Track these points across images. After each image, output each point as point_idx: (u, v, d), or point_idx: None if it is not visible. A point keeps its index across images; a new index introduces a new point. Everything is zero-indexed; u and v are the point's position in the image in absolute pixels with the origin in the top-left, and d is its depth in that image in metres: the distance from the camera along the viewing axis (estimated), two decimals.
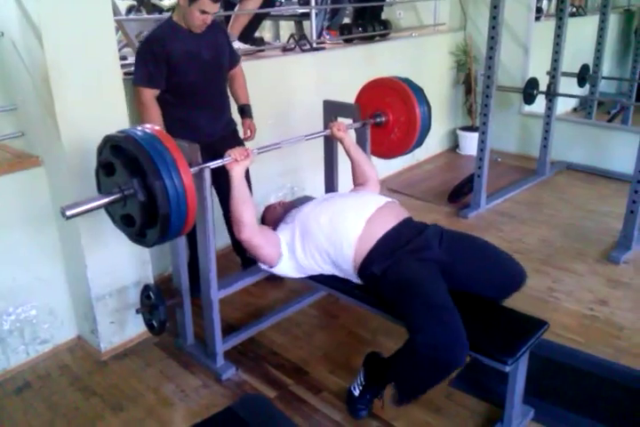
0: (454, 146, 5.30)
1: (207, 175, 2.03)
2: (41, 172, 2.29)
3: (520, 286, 2.04)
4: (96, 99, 2.18)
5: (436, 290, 1.86)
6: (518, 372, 1.87)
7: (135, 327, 2.55)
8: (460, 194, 4.05)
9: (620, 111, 5.53)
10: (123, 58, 3.13)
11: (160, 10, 4.79)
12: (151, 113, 2.47)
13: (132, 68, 2.52)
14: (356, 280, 2.11)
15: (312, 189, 3.71)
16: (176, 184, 1.73)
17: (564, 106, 5.23)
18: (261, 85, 2.97)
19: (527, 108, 4.83)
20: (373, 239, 2.03)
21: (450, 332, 1.74)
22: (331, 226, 2.09)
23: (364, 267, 2.03)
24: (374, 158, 2.73)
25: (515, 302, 2.08)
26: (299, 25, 4.74)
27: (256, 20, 3.59)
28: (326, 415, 2.11)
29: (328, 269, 2.17)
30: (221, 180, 2.19)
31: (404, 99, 2.59)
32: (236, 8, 3.37)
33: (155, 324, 2.29)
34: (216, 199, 2.68)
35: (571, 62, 4.69)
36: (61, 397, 2.25)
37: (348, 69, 3.92)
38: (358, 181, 2.48)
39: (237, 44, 3.30)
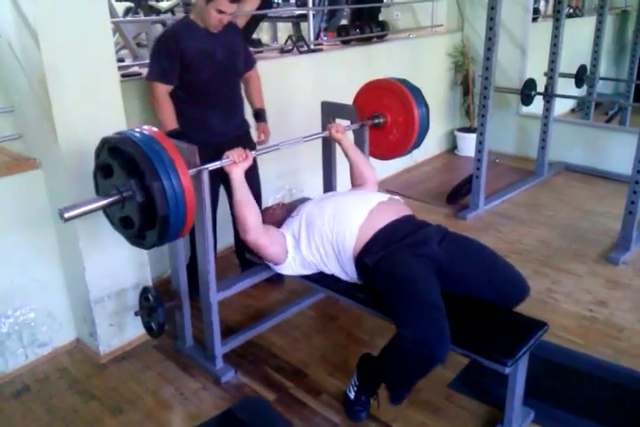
0: (452, 147, 5.31)
1: (205, 177, 2.02)
2: (38, 174, 2.29)
3: (524, 294, 2.02)
4: (93, 101, 2.18)
5: (427, 287, 1.87)
6: (518, 373, 1.86)
7: (134, 330, 2.54)
8: (459, 195, 4.05)
9: (617, 112, 5.54)
10: (120, 60, 3.13)
11: (157, 11, 4.79)
12: (164, 108, 2.49)
13: (129, 70, 2.52)
14: (355, 276, 2.11)
15: (310, 190, 3.71)
16: (174, 185, 1.73)
17: (561, 107, 5.24)
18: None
19: (525, 109, 4.83)
20: (373, 230, 2.05)
21: (436, 329, 1.76)
22: (335, 217, 2.11)
23: (360, 257, 2.04)
24: (372, 160, 2.73)
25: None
26: (296, 26, 4.74)
27: (254, 22, 3.57)
28: (326, 418, 2.10)
29: (330, 264, 2.16)
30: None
31: (402, 100, 2.59)
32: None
33: (153, 326, 2.28)
34: (225, 200, 2.69)
35: (568, 63, 4.70)
36: (60, 400, 2.24)
37: (345, 71, 3.92)
38: (356, 183, 2.48)
39: None
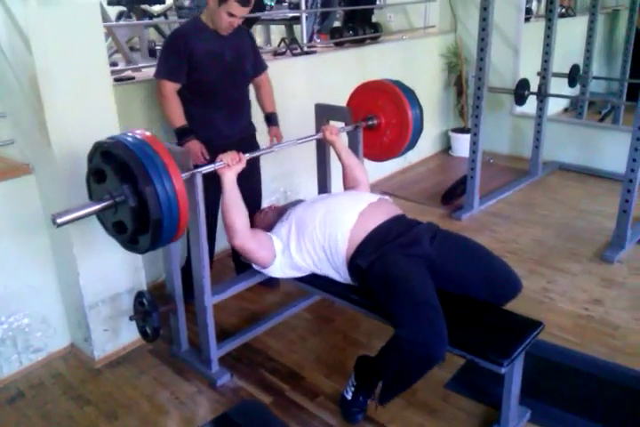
0: (446, 148, 5.31)
1: (199, 180, 2.02)
2: (31, 179, 2.28)
3: (517, 291, 2.03)
4: (86, 105, 2.17)
5: (421, 286, 1.87)
6: (514, 373, 1.86)
7: (129, 335, 2.53)
8: (453, 196, 4.05)
9: (610, 111, 5.56)
10: (113, 64, 3.12)
11: (150, 15, 4.79)
12: (172, 105, 2.51)
13: (122, 74, 2.52)
14: (348, 278, 2.10)
15: (305, 192, 3.71)
16: (167, 190, 1.72)
17: (555, 106, 5.25)
18: (252, 90, 2.96)
19: (518, 109, 4.85)
20: (365, 232, 2.05)
21: (433, 329, 1.76)
22: (326, 220, 2.11)
23: (352, 259, 2.04)
24: (367, 161, 2.73)
25: (509, 302, 2.07)
26: (289, 29, 4.74)
27: (247, 25, 3.59)
28: (323, 420, 2.10)
29: (323, 267, 2.16)
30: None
31: (396, 101, 2.59)
32: None
33: (148, 331, 2.27)
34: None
35: (561, 63, 4.72)
36: (55, 406, 2.23)
37: (339, 73, 3.92)
38: (349, 185, 2.48)
39: None
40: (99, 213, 1.87)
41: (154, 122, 2.86)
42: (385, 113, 2.65)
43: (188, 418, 2.14)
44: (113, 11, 4.83)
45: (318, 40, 4.44)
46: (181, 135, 2.54)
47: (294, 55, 3.72)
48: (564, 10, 5.91)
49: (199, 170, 2.01)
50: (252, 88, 2.85)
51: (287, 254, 2.17)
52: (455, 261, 2.02)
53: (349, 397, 2.07)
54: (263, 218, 2.36)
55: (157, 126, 2.85)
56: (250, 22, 3.68)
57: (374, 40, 4.50)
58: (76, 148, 2.10)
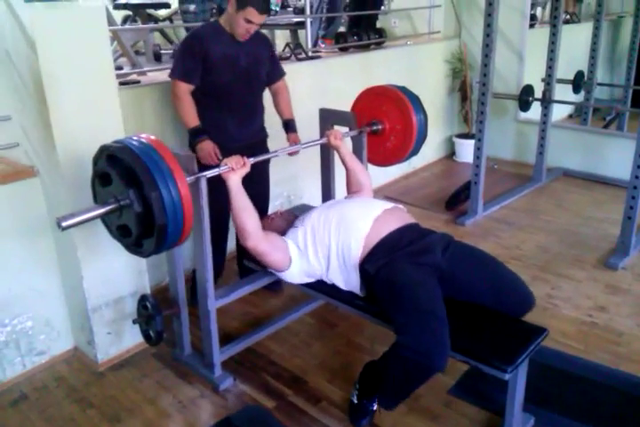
0: (450, 153, 5.31)
1: (203, 184, 2.02)
2: (36, 182, 2.28)
3: (530, 306, 2.01)
4: (91, 108, 2.18)
5: (426, 295, 1.86)
6: (518, 379, 1.85)
7: (132, 338, 2.53)
8: (457, 201, 4.05)
9: (615, 117, 5.55)
10: (118, 68, 3.13)
11: (155, 20, 4.82)
12: (185, 105, 2.52)
13: (128, 78, 2.53)
14: (357, 286, 2.09)
15: (309, 197, 3.71)
16: (172, 194, 1.72)
17: (559, 112, 5.24)
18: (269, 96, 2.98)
19: (523, 115, 4.85)
20: (378, 237, 2.05)
21: (435, 339, 1.75)
22: (340, 227, 2.10)
23: (362, 264, 2.03)
24: (371, 166, 2.73)
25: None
26: (294, 34, 4.75)
27: None
28: (326, 426, 2.09)
29: (333, 274, 2.14)
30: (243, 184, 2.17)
31: (401, 107, 2.60)
32: None
33: (152, 334, 2.27)
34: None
35: (565, 69, 4.72)
36: (58, 409, 2.23)
37: (343, 78, 3.93)
38: (353, 189, 2.48)
39: None
40: (103, 217, 1.88)
41: (163, 126, 2.88)
42: (389, 118, 2.66)
43: (191, 422, 2.14)
44: (118, 15, 4.87)
45: (323, 45, 4.45)
46: (195, 135, 2.54)
47: (299, 60, 3.74)
48: (568, 16, 5.92)
49: (203, 174, 2.01)
50: (268, 94, 2.85)
51: (305, 259, 2.16)
52: (466, 272, 2.00)
53: (355, 400, 2.08)
54: (271, 224, 2.35)
55: (169, 130, 2.89)
56: None
57: (379, 45, 4.52)
58: (81, 151, 2.11)
